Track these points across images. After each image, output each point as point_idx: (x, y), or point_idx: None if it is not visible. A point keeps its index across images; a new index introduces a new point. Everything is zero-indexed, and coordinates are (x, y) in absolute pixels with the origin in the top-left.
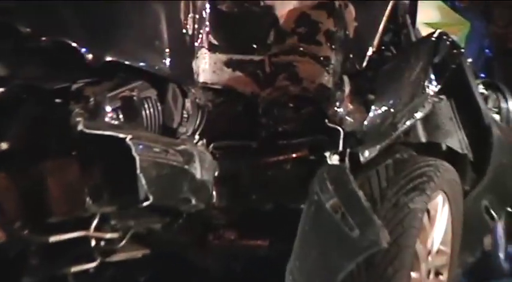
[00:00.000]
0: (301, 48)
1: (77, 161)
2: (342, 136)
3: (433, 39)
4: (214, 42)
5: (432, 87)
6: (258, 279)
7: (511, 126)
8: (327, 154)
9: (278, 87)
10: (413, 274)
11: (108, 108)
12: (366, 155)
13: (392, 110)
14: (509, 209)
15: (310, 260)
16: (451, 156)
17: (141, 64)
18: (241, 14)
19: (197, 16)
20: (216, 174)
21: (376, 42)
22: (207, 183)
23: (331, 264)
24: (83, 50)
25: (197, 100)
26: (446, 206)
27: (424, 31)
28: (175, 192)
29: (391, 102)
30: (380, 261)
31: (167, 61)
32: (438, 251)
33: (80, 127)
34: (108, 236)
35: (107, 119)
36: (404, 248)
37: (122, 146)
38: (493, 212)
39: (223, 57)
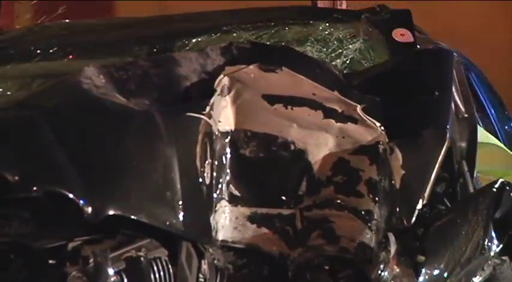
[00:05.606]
0: (339, 201)
1: None
2: None
3: (495, 190)
4: (236, 193)
5: (493, 247)
6: None
7: None
8: None
9: (311, 246)
10: None
11: (111, 271)
12: None
13: (446, 274)
14: None
15: None
16: None
17: (150, 219)
18: (267, 160)
19: (216, 162)
20: None
21: (427, 193)
22: None
23: None
24: (81, 201)
25: (215, 262)
26: None
27: (484, 180)
28: None
29: (444, 264)
30: None
31: (180, 215)
32: None
33: None
34: None
35: None
36: None
37: None
38: None
39: (246, 211)
